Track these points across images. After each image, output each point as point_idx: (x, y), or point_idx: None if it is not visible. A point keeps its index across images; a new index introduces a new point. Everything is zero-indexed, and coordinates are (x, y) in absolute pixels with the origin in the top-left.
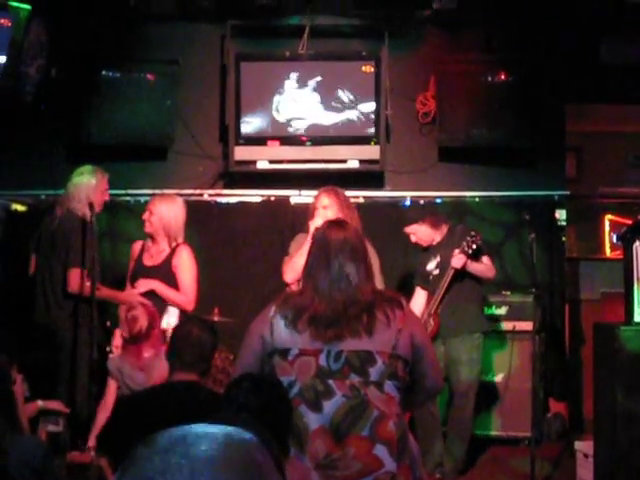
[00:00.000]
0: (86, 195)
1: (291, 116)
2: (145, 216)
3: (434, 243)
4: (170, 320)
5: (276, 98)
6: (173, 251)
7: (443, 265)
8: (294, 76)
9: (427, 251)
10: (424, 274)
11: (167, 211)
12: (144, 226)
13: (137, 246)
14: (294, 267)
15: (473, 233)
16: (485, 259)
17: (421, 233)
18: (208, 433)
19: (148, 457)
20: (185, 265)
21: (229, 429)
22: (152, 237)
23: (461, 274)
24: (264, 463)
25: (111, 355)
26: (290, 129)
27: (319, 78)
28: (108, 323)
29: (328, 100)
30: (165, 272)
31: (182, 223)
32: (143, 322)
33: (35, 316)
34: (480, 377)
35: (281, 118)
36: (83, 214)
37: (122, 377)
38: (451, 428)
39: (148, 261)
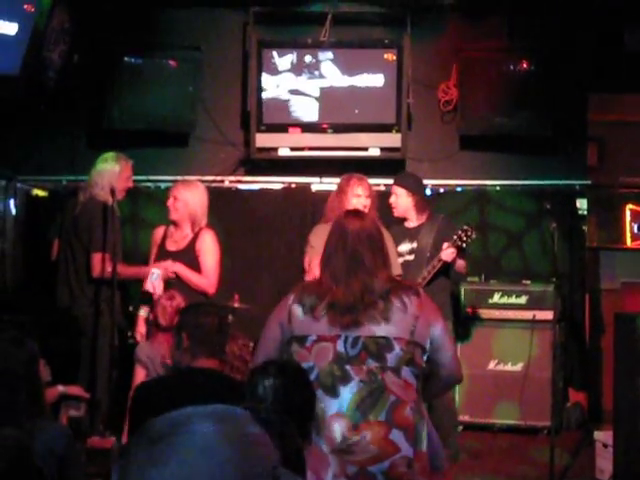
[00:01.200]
0: (109, 182)
1: (313, 103)
2: (169, 203)
3: (410, 225)
4: (155, 282)
5: (298, 85)
6: (196, 235)
7: (419, 254)
8: (316, 63)
9: (400, 229)
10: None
11: (192, 197)
12: (169, 213)
13: (159, 232)
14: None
15: (466, 227)
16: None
17: (402, 199)
18: (198, 414)
19: (138, 452)
20: (208, 248)
21: (218, 407)
22: (176, 223)
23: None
24: (259, 435)
25: (140, 342)
26: (311, 116)
27: (341, 66)
28: (130, 308)
29: (350, 88)
30: (189, 257)
31: (205, 208)
32: None
33: (57, 301)
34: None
35: (302, 105)
36: (105, 200)
37: (153, 365)
38: (436, 417)
39: (172, 246)
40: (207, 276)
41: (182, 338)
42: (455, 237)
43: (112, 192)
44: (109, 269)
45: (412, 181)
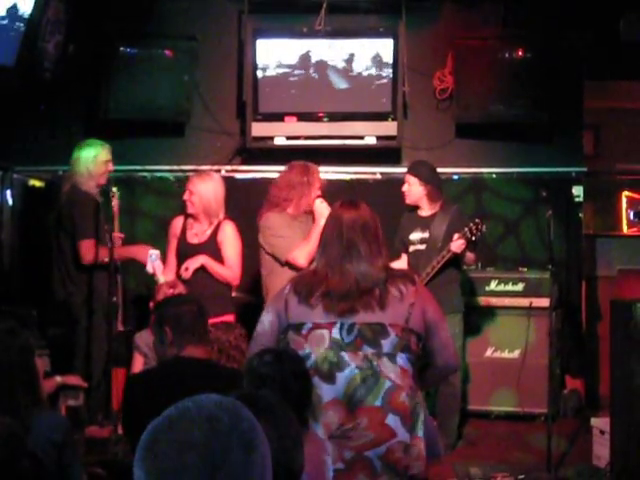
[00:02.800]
0: (86, 168)
1: (308, 92)
2: (185, 196)
3: (422, 213)
4: (155, 264)
5: (293, 74)
6: (217, 227)
7: (431, 243)
8: (311, 52)
9: (412, 217)
10: (405, 241)
11: (206, 190)
12: (186, 207)
13: (177, 223)
14: (309, 251)
15: (477, 220)
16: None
17: (414, 188)
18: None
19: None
20: (230, 240)
21: (212, 398)
22: (195, 217)
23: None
24: (252, 420)
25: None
26: (307, 105)
27: (336, 54)
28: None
29: (345, 76)
30: (212, 249)
31: (222, 199)
32: None
33: (52, 291)
34: (463, 352)
35: (298, 94)
36: (87, 187)
37: (152, 352)
38: (441, 403)
39: (193, 239)
40: (231, 268)
41: (165, 332)
42: (466, 229)
43: (108, 182)
44: (100, 255)
45: (425, 170)
